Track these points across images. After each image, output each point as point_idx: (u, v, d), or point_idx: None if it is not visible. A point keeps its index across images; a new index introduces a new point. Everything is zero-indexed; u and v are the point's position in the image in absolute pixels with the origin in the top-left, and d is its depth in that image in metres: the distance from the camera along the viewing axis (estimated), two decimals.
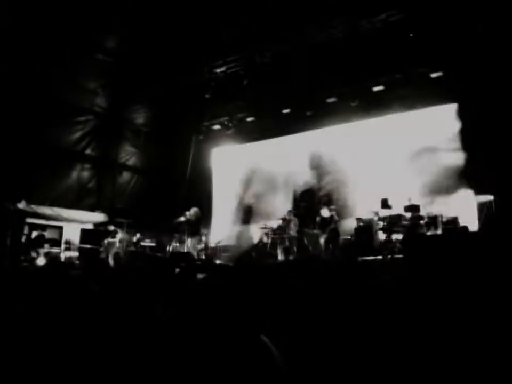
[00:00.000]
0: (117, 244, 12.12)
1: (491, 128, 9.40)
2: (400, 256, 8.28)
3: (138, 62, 12.44)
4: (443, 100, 10.71)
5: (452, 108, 10.66)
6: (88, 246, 12.23)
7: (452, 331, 2.04)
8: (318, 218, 11.22)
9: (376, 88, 11.29)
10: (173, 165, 14.59)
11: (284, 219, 11.63)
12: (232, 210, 14.25)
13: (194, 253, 11.93)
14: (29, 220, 11.75)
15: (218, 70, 12.77)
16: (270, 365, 1.32)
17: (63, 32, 11.00)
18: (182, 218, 12.10)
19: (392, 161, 11.15)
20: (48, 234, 12.27)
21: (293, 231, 11.14)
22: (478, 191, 9.44)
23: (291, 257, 10.70)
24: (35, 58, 11.09)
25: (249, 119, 13.80)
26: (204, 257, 12.29)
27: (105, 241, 12.03)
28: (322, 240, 10.61)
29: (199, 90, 13.48)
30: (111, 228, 12.24)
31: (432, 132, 10.74)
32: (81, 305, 2.52)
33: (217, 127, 14.54)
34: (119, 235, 12.15)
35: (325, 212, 10.62)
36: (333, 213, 10.56)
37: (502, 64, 9.27)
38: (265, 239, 11.83)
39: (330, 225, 10.33)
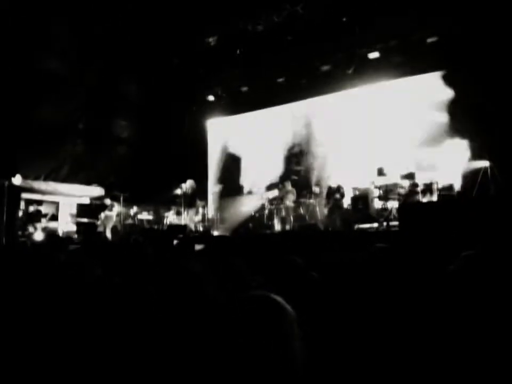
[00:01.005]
0: (114, 218, 12.14)
1: (485, 94, 9.34)
2: (396, 223, 8.37)
3: (130, 33, 12.16)
4: (438, 66, 10.58)
5: (447, 74, 10.57)
6: (85, 220, 12.26)
7: (445, 299, 2.07)
8: (315, 188, 11.28)
9: (371, 55, 11.13)
10: (167, 137, 14.47)
11: (280, 189, 11.67)
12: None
13: (192, 225, 11.99)
14: (25, 195, 11.72)
15: (210, 40, 12.53)
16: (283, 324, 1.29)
17: (51, 7, 10.71)
18: (178, 191, 12.10)
19: (388, 129, 11.12)
20: (44, 209, 12.28)
21: (289, 201, 11.18)
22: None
23: (288, 227, 10.79)
24: (23, 33, 10.83)
25: (243, 89, 13.64)
26: (201, 229, 12.36)
27: (102, 214, 12.04)
28: (324, 210, 10.69)
29: (192, 60, 13.26)
30: (108, 201, 12.22)
31: (426, 99, 10.68)
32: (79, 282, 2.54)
33: (211, 97, 14.39)
34: (116, 208, 12.14)
35: (332, 182, 10.68)
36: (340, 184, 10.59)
37: (499, 27, 9.12)
38: (261, 209, 11.90)
39: (335, 195, 10.37)
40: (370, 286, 2.33)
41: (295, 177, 12.36)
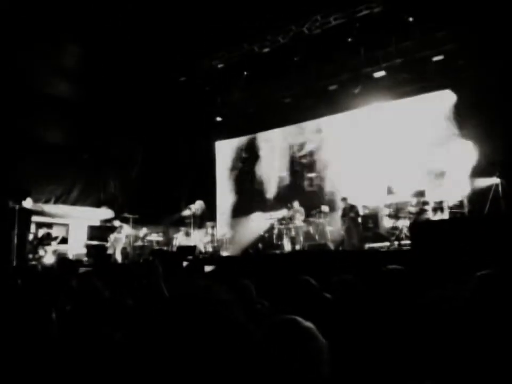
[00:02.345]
0: (124, 239, 12.14)
1: (492, 111, 9.34)
2: (407, 242, 8.29)
3: (137, 55, 12.30)
4: (444, 85, 10.61)
5: (453, 92, 10.58)
6: (95, 243, 12.28)
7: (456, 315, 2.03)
8: (324, 207, 11.23)
9: (377, 74, 11.18)
10: (176, 158, 14.56)
11: (289, 209, 11.65)
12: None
13: (201, 246, 11.97)
14: (35, 218, 11.79)
15: (217, 62, 12.69)
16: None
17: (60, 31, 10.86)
18: (188, 212, 12.11)
19: (397, 148, 11.10)
20: (55, 232, 12.33)
21: (298, 220, 11.14)
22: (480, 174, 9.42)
23: (298, 247, 10.72)
24: (29, 57, 10.99)
25: (250, 110, 13.74)
26: (210, 249, 12.34)
27: (112, 236, 12.05)
28: (341, 230, 10.57)
29: (199, 82, 13.41)
30: (117, 223, 12.24)
31: (433, 117, 10.67)
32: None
33: (219, 119, 14.49)
34: (125, 230, 12.16)
35: (345, 202, 10.49)
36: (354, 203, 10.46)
37: (504, 45, 9.15)
38: (271, 229, 11.86)
39: (350, 214, 10.25)
40: (384, 308, 2.29)
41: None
